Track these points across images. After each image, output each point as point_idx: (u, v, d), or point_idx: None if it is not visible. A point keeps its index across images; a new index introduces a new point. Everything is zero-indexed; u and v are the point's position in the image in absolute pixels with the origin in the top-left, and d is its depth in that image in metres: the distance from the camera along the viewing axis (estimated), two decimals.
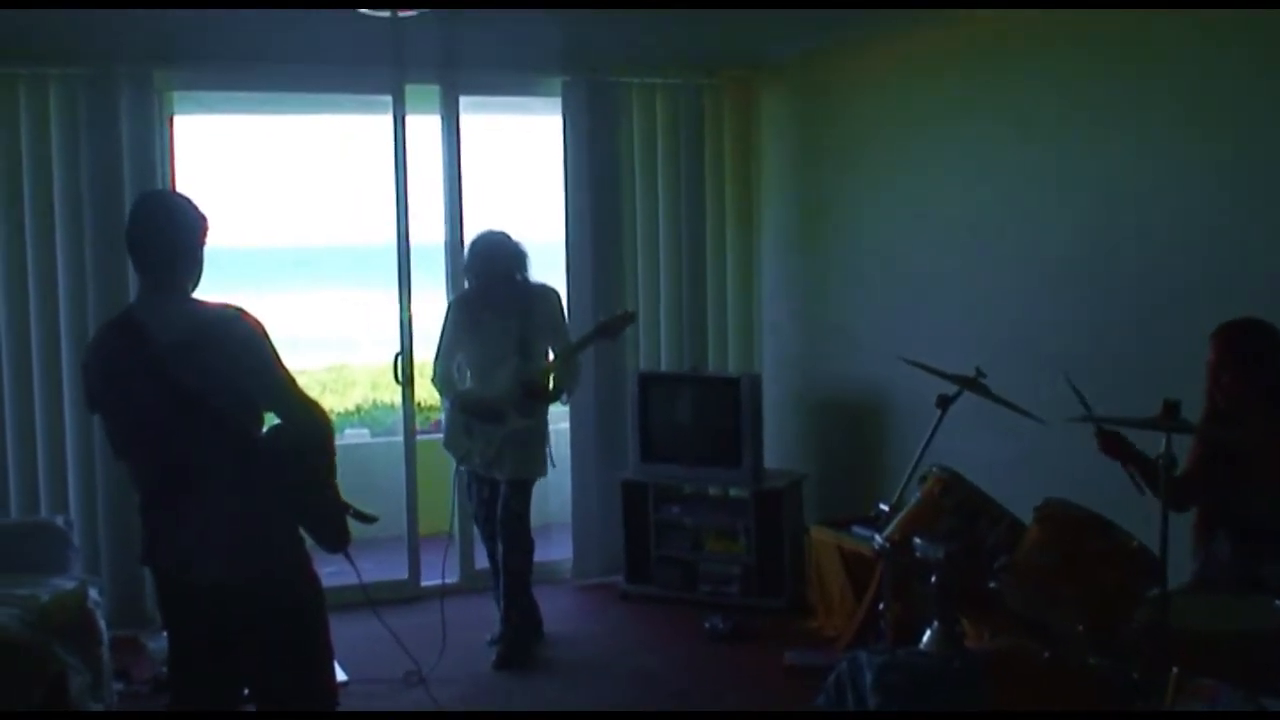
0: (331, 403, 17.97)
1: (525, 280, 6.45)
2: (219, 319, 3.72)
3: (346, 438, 10.85)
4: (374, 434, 11.83)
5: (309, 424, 3.78)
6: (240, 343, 3.69)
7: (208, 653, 3.84)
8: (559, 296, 6.65)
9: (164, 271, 3.76)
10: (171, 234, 3.78)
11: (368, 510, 3.94)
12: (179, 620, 3.92)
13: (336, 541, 3.87)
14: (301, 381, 3.80)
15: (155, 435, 3.70)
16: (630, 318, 6.66)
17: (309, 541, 3.87)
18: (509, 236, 6.43)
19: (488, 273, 6.38)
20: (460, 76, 7.64)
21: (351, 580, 4.37)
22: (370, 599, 5.06)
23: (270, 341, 3.74)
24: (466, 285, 6.60)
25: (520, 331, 6.36)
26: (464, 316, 6.55)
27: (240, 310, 3.76)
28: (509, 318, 6.38)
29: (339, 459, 3.90)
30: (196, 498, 3.68)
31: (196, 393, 3.60)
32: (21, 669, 4.63)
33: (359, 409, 17.98)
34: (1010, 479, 5.25)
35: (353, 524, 3.91)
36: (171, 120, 7.27)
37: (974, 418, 5.31)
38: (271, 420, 3.80)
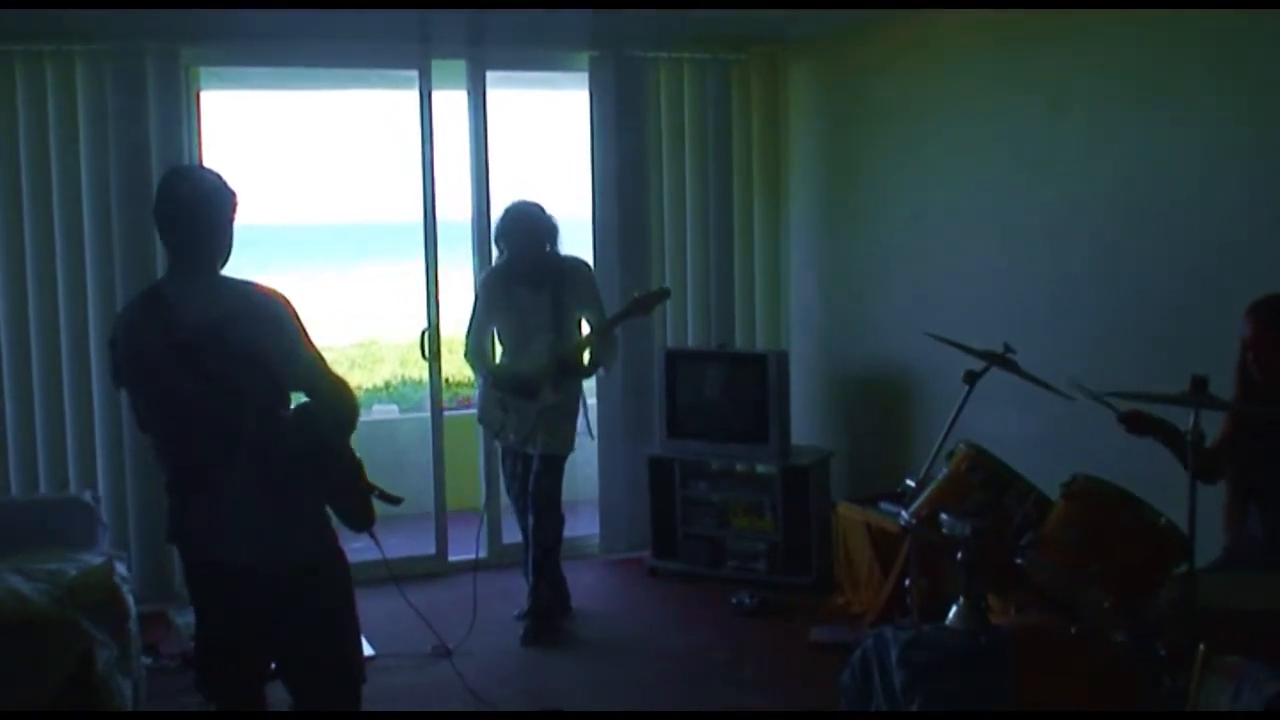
0: (360, 379, 18.05)
1: (556, 253, 6.45)
2: (247, 297, 3.69)
3: (375, 413, 10.93)
4: (402, 410, 11.88)
5: (337, 404, 3.76)
6: (268, 321, 3.66)
7: (235, 629, 3.85)
8: (590, 269, 6.67)
9: (192, 248, 3.73)
10: (200, 210, 3.73)
11: (393, 490, 3.94)
12: (206, 597, 3.92)
13: (362, 521, 3.87)
14: (330, 358, 3.79)
15: (181, 413, 3.70)
16: (665, 294, 6.67)
17: (335, 519, 3.88)
18: (542, 208, 6.43)
19: (519, 243, 6.38)
20: (487, 52, 7.61)
21: (373, 556, 4.40)
22: (395, 575, 5.08)
23: (299, 320, 3.71)
24: (497, 253, 6.59)
25: (554, 304, 6.37)
26: (497, 291, 6.54)
27: (269, 288, 3.73)
28: (542, 291, 6.39)
29: (368, 436, 3.90)
30: (223, 477, 3.67)
31: (222, 371, 3.59)
32: (49, 644, 4.64)
33: (388, 385, 18.07)
34: (1038, 455, 5.22)
35: (378, 502, 3.92)
36: (198, 96, 7.25)
37: (1002, 394, 5.29)
38: (298, 399, 3.80)
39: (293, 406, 3.79)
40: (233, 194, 3.82)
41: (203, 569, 3.88)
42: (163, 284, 3.82)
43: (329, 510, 3.85)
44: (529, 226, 6.37)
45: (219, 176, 3.84)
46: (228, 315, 3.63)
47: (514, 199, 6.50)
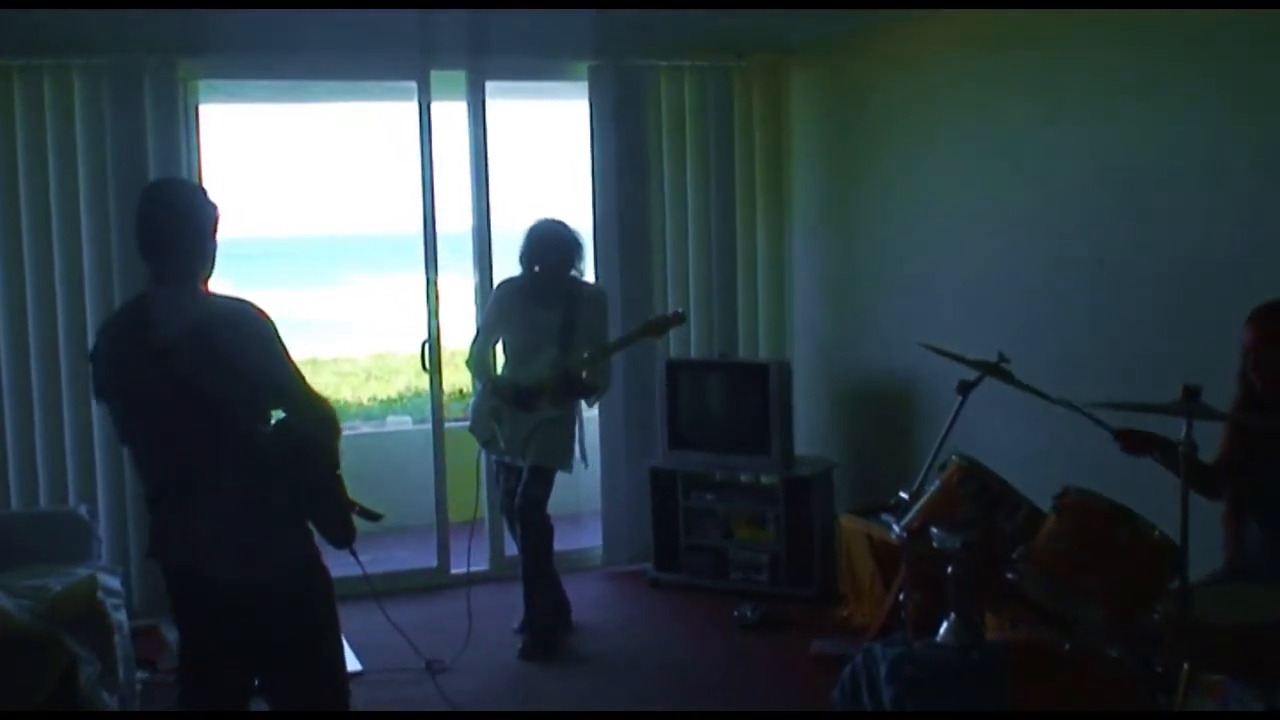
0: (376, 390, 18.10)
1: (579, 275, 6.47)
2: (226, 311, 3.68)
3: (389, 425, 11.18)
4: (415, 421, 11.89)
5: (316, 420, 3.73)
6: (247, 336, 3.65)
7: (217, 645, 3.84)
8: (606, 300, 6.66)
9: (172, 262, 3.71)
10: (180, 223, 3.72)
11: (398, 502, 3.92)
12: (188, 613, 3.92)
13: (342, 537, 3.83)
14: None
15: (159, 427, 3.69)
16: (680, 318, 6.63)
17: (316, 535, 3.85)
18: (567, 227, 6.44)
19: (542, 260, 6.39)
20: (486, 62, 7.57)
21: (376, 570, 4.38)
22: (377, 592, 5.06)
23: (278, 336, 3.69)
24: (520, 270, 6.55)
25: (565, 323, 6.36)
26: (510, 300, 6.52)
27: (248, 302, 3.71)
28: (554, 307, 6.38)
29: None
30: (202, 492, 3.66)
31: (201, 385, 3.57)
32: (31, 660, 4.61)
33: (401, 397, 18.10)
34: (1033, 467, 5.18)
35: (382, 513, 3.90)
36: (197, 109, 7.25)
37: (998, 406, 5.25)
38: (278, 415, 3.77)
39: (273, 423, 3.77)
40: (214, 207, 3.80)
41: (183, 584, 3.87)
42: (143, 296, 3.80)
43: (310, 526, 3.83)
44: (551, 243, 6.39)
45: (201, 190, 3.85)
46: (206, 326, 3.62)
47: (539, 218, 6.49)
